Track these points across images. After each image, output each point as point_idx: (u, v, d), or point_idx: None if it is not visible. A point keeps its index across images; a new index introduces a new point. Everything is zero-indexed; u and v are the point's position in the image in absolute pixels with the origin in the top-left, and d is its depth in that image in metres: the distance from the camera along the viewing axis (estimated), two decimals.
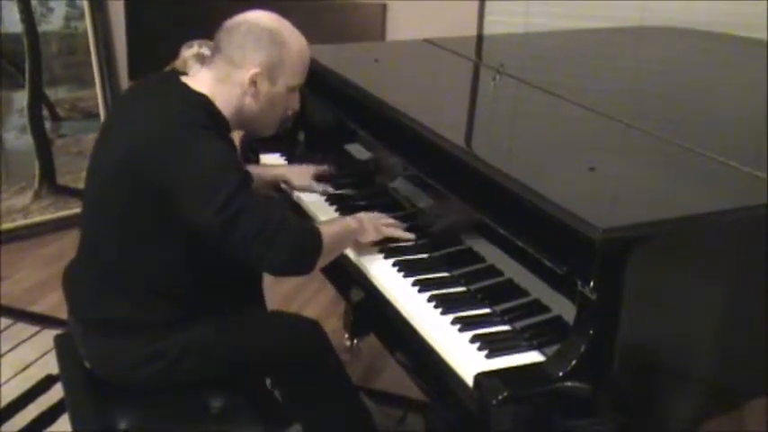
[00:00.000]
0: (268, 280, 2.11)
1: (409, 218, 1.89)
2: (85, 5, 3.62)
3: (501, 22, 3.48)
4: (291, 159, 2.30)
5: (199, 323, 1.72)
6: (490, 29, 3.49)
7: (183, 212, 1.57)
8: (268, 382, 1.99)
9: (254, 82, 1.65)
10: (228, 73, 1.66)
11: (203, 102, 1.64)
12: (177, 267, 1.68)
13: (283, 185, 2.15)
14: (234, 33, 1.66)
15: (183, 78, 1.70)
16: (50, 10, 3.56)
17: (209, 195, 1.53)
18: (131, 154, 1.58)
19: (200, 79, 1.68)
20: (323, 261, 1.67)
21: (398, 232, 1.82)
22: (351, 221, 1.78)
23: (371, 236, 1.79)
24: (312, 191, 2.11)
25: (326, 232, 1.67)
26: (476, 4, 3.46)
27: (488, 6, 3.49)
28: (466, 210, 1.66)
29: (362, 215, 1.82)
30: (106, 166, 1.66)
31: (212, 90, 1.66)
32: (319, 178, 2.13)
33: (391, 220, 1.84)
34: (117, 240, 1.67)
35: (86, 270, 1.76)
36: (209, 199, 1.53)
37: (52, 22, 3.57)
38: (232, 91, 1.67)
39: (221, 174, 1.56)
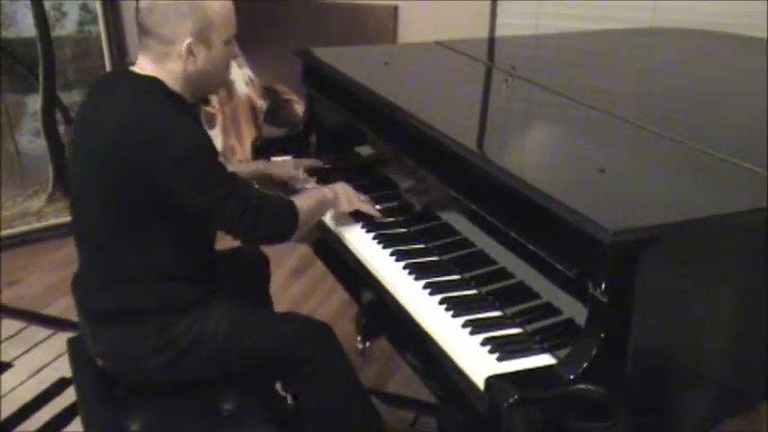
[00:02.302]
0: (279, 283, 2.12)
1: (419, 220, 1.89)
2: (99, 10, 3.64)
3: (512, 23, 3.47)
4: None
5: (210, 314, 1.75)
6: (502, 31, 3.49)
7: (170, 194, 1.63)
8: (279, 384, 2.00)
9: (190, 51, 1.67)
10: (164, 51, 1.68)
11: (155, 84, 1.68)
12: (178, 249, 1.72)
13: (257, 184, 2.19)
14: (154, 12, 1.66)
15: (131, 68, 1.73)
16: (64, 14, 3.58)
17: (194, 178, 1.63)
18: (107, 150, 1.64)
19: (142, 65, 1.71)
20: (300, 232, 1.82)
21: (369, 208, 1.94)
22: (327, 192, 1.91)
23: (344, 206, 1.93)
24: (294, 182, 2.17)
25: (302, 205, 1.81)
26: (487, 6, 3.46)
27: (500, 8, 3.48)
28: (476, 212, 1.65)
29: (338, 186, 1.95)
30: (85, 166, 1.71)
31: (157, 71, 1.70)
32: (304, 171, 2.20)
33: (363, 197, 1.97)
34: (115, 232, 1.70)
35: (91, 268, 1.80)
36: (193, 182, 1.62)
37: (66, 26, 3.59)
38: (174, 66, 1.69)
39: (198, 154, 1.64)
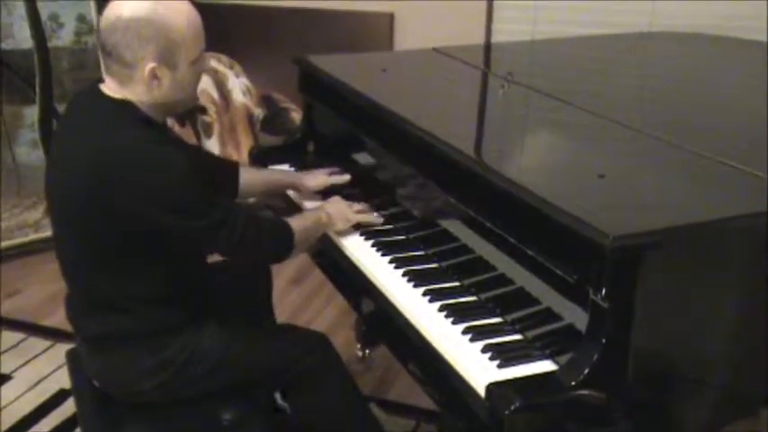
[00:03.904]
0: (277, 292, 2.11)
1: (418, 227, 1.89)
2: (95, 21, 3.63)
3: (509, 30, 3.48)
4: (301, 170, 2.30)
5: (205, 332, 1.73)
6: (498, 37, 3.49)
7: (158, 227, 1.58)
8: (278, 395, 1.99)
9: (154, 76, 1.59)
10: (128, 75, 1.59)
11: (129, 110, 1.61)
12: (163, 276, 1.69)
13: (291, 193, 2.17)
14: (114, 34, 1.56)
15: (103, 88, 1.65)
16: (61, 26, 3.58)
17: (180, 208, 1.58)
18: (86, 187, 1.57)
19: (110, 86, 1.64)
20: (295, 253, 1.80)
21: (366, 218, 1.94)
22: (321, 215, 1.89)
23: (340, 226, 1.91)
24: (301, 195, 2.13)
25: (297, 227, 1.78)
26: (483, 13, 3.46)
27: (496, 14, 3.49)
28: (475, 218, 1.65)
29: (331, 207, 1.93)
30: (64, 200, 1.66)
31: (125, 94, 1.62)
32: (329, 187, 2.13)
33: (359, 206, 1.95)
34: (96, 265, 1.67)
35: (78, 296, 1.78)
36: (181, 212, 1.58)
37: (62, 37, 3.59)
38: (140, 89, 1.61)
39: (181, 184, 1.57)
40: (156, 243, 1.62)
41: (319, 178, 2.13)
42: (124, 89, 1.62)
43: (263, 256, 1.82)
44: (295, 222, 1.80)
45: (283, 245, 1.76)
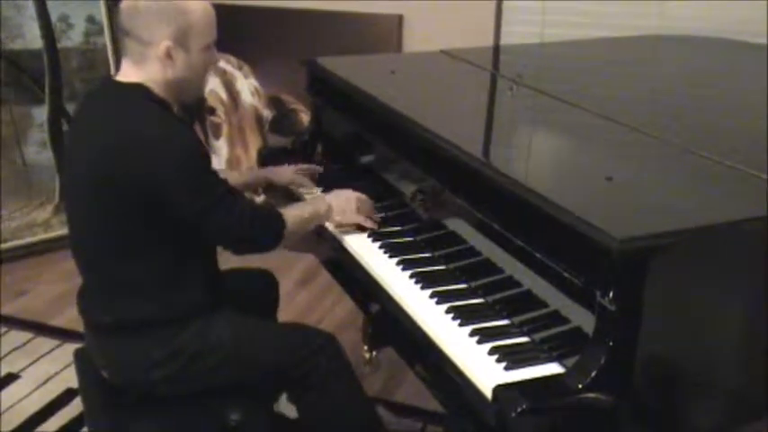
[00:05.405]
0: (285, 293, 2.11)
1: (425, 229, 1.89)
2: (105, 21, 3.65)
3: (518, 32, 3.47)
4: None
5: (215, 325, 1.76)
6: (507, 39, 3.48)
7: (166, 204, 1.63)
8: (285, 396, 1.99)
9: (168, 55, 1.67)
10: (142, 53, 1.68)
11: (141, 92, 1.68)
12: (176, 260, 1.73)
13: (261, 193, 2.22)
14: (135, 14, 1.66)
15: (116, 78, 1.73)
16: (70, 26, 3.60)
17: (188, 183, 1.63)
18: (100, 169, 1.64)
19: (126, 70, 1.72)
20: (287, 241, 1.82)
21: (365, 221, 1.94)
22: (320, 206, 1.91)
23: (338, 219, 1.93)
24: (296, 187, 2.20)
25: (289, 215, 1.81)
26: (492, 15, 3.45)
27: (505, 16, 3.48)
28: (483, 220, 1.65)
29: (334, 197, 1.94)
30: (79, 184, 1.71)
31: (140, 76, 1.70)
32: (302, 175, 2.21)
33: (367, 205, 1.96)
34: (110, 249, 1.71)
35: (90, 283, 1.81)
36: (188, 187, 1.64)
37: (72, 38, 3.60)
38: (153, 69, 1.69)
39: (190, 159, 1.65)
40: (166, 224, 1.66)
41: (286, 173, 2.21)
42: (140, 69, 1.69)
43: (253, 243, 1.79)
44: (290, 212, 1.83)
45: (273, 232, 1.79)
